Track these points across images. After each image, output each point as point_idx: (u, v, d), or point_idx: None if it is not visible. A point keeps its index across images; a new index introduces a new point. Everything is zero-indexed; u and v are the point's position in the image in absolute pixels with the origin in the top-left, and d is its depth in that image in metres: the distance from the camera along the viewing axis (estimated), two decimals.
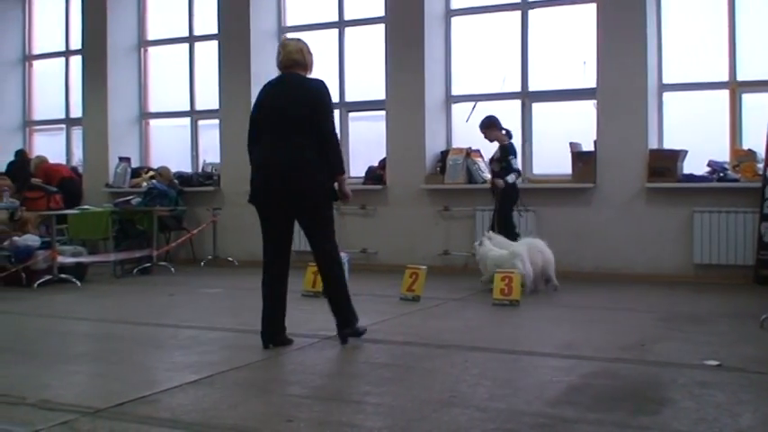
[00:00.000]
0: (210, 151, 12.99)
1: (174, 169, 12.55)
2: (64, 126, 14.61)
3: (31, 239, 10.08)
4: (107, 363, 5.68)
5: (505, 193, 9.22)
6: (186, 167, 13.16)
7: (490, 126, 9.41)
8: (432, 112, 11.11)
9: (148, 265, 10.97)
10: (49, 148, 14.62)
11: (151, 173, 12.74)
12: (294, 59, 5.96)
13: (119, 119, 13.54)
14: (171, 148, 13.52)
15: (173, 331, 6.78)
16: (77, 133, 14.18)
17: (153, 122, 13.85)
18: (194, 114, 13.27)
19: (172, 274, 10.77)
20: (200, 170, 13.04)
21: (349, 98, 11.92)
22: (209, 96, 12.77)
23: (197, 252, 12.33)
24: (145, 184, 12.53)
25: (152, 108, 13.81)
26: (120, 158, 13.28)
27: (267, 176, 5.80)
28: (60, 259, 9.84)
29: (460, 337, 6.23)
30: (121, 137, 13.55)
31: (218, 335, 6.59)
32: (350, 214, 11.36)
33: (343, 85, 11.95)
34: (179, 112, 13.43)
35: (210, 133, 12.92)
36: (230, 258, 11.91)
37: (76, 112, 14.12)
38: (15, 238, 10.03)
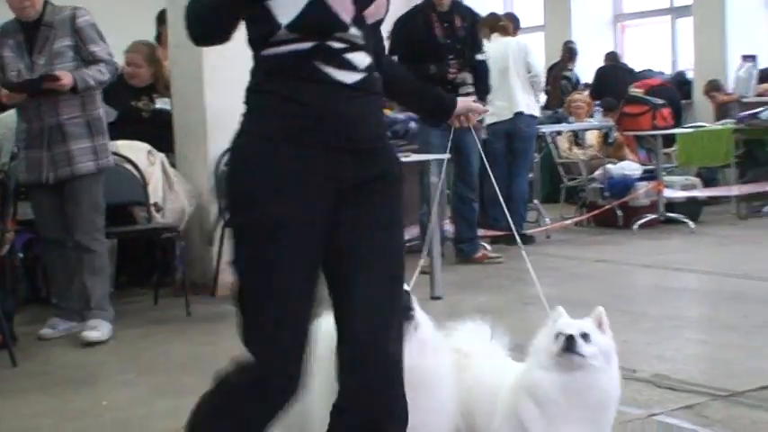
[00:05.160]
0: None
1: None
2: (668, 18, 15.12)
3: (630, 168, 10.47)
4: (738, 331, 5.70)
5: None
6: None
7: None
8: None
9: None
10: (645, 46, 15.38)
11: None
12: None
13: (739, 4, 13.70)
14: None
15: None
16: (684, 26, 14.56)
17: None
18: None
19: None
20: None
21: None
22: None
23: None
24: None
25: None
26: (744, 57, 13.31)
27: None
28: (668, 193, 10.13)
29: None
30: (743, 28, 13.67)
31: None
32: None
33: None
34: None
35: None
36: None
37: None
38: (609, 167, 10.47)
